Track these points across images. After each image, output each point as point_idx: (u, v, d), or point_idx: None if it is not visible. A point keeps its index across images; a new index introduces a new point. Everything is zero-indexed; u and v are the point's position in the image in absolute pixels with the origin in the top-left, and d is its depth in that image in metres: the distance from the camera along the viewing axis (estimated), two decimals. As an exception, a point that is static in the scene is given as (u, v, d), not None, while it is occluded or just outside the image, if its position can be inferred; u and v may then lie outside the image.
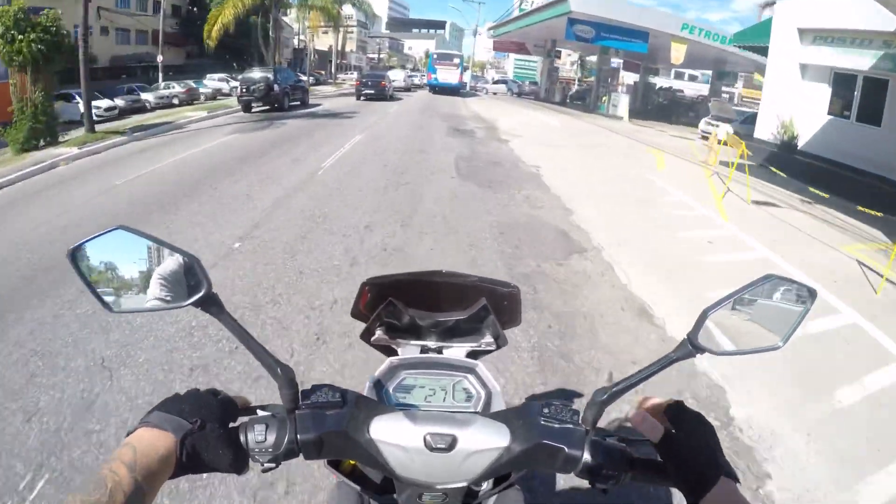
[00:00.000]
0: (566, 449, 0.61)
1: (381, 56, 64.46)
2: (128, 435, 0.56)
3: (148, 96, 20.23)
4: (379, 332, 0.90)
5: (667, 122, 22.92)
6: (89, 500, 0.47)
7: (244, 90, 16.25)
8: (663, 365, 0.62)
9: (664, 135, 17.62)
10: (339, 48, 40.76)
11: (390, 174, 7.88)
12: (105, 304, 0.61)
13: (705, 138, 14.31)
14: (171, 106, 20.09)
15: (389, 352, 0.92)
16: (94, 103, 12.93)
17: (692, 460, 0.59)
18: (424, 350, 0.90)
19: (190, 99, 21.86)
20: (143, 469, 0.51)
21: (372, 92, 22.75)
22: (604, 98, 25.08)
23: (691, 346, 0.61)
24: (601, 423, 0.65)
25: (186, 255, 0.61)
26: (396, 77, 32.00)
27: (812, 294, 0.64)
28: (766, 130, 12.63)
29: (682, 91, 34.96)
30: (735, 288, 0.62)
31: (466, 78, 36.68)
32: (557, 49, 32.50)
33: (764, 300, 0.64)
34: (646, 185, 8.50)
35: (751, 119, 14.52)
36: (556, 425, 0.63)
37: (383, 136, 11.99)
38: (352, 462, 0.75)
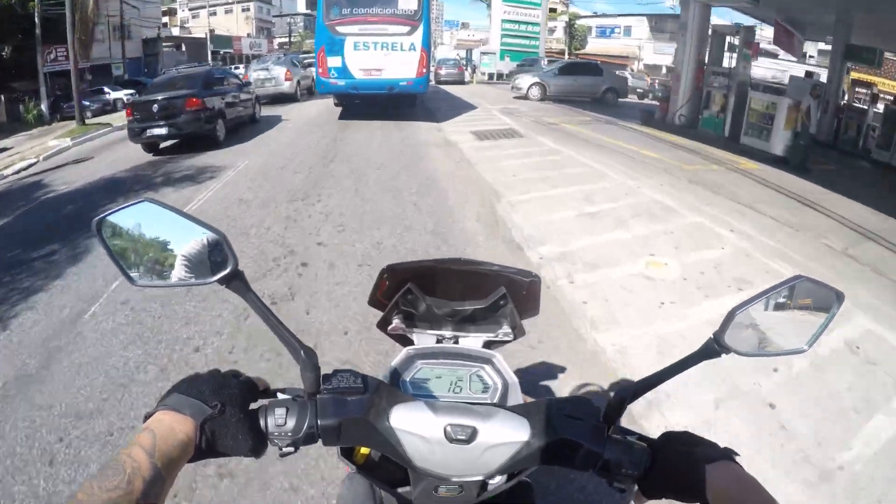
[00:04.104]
0: (586, 445, 0.60)
1: (293, 40, 47.22)
2: (146, 418, 0.55)
3: None
4: (396, 321, 0.89)
5: None
6: (107, 487, 0.45)
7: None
8: (688, 364, 0.62)
9: None
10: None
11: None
12: (128, 277, 0.60)
13: None
14: None
15: (405, 341, 0.91)
16: None
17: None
18: (440, 340, 0.89)
19: None
20: (163, 454, 0.50)
21: (163, 132, 8.59)
22: None
23: (717, 346, 0.60)
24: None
25: (214, 230, 0.60)
26: (271, 73, 15.37)
27: (839, 297, 0.64)
28: None
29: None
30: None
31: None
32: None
33: (791, 301, 0.63)
34: None
35: None
36: (578, 421, 0.62)
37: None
38: (365, 453, 0.74)
